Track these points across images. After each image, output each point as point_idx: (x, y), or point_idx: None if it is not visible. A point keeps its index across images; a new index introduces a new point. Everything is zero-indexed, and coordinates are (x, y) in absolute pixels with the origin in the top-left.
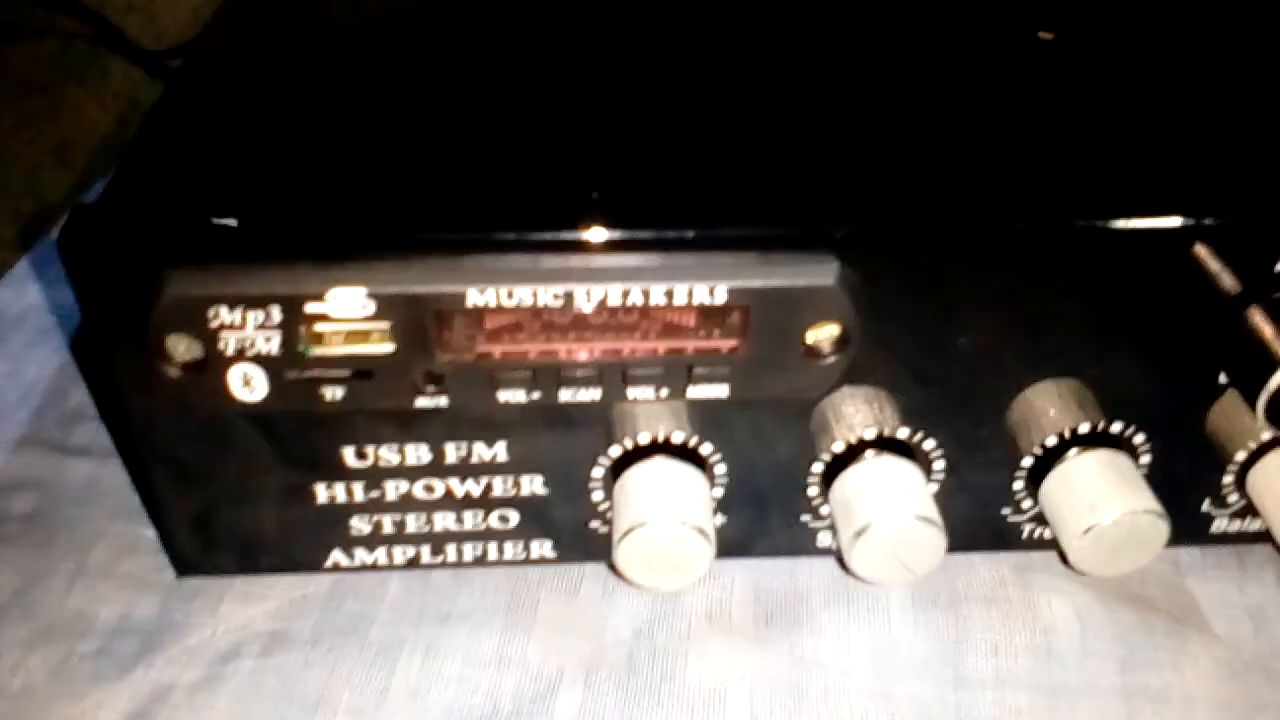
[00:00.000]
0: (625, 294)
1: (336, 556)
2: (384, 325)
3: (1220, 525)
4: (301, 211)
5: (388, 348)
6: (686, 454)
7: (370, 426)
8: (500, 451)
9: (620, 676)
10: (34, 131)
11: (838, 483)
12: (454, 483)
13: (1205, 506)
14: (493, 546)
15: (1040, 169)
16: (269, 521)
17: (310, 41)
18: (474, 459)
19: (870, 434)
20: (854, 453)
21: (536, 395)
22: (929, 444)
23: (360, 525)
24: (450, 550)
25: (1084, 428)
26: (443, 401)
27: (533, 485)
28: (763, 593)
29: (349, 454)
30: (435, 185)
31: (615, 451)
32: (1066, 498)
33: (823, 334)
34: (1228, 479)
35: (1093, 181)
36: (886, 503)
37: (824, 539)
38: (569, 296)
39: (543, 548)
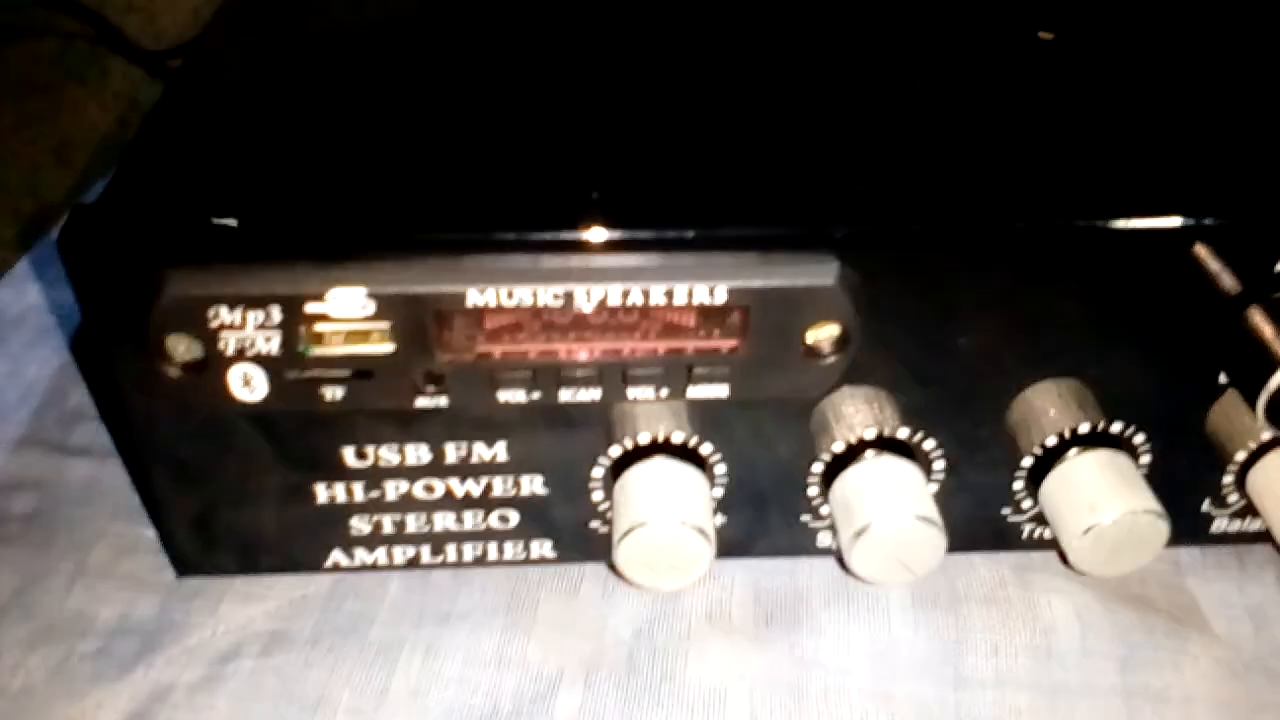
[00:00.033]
0: (625, 294)
1: (336, 556)
2: (384, 325)
3: (1220, 525)
4: (301, 211)
5: (388, 348)
6: (686, 454)
7: (370, 426)
8: (500, 451)
9: (620, 676)
10: (34, 131)
11: (838, 483)
12: (454, 483)
13: (1205, 506)
14: (493, 546)
15: (1040, 169)
16: (269, 521)
17: (310, 41)
18: (474, 459)
19: (870, 434)
20: (854, 453)
21: (536, 395)
22: (929, 444)
23: (360, 525)
24: (450, 550)
25: (1084, 428)
26: (443, 401)
27: (533, 485)
28: (763, 593)
29: (349, 454)
30: (435, 185)
31: (615, 451)
32: (1066, 498)
33: (823, 334)
34: (1228, 479)
35: (1093, 181)
36: (886, 503)
37: (824, 539)
38: (569, 296)
39: (543, 548)
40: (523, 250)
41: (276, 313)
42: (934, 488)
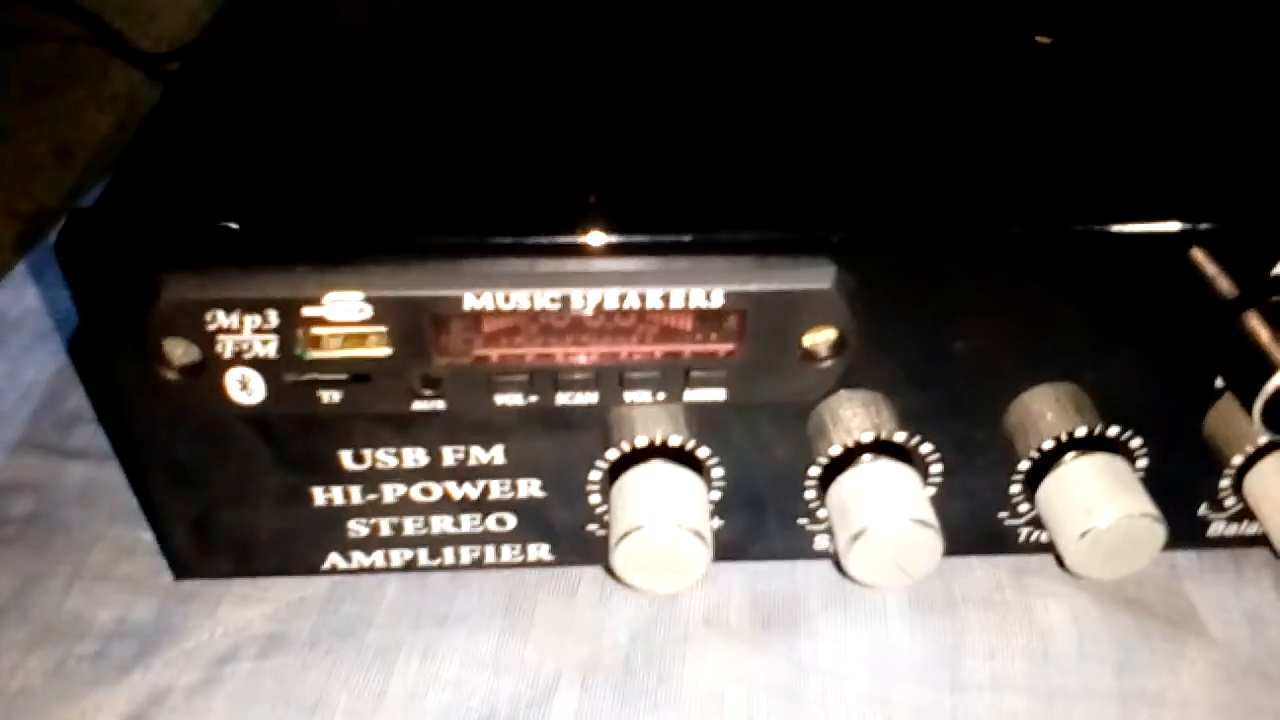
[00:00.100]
0: (622, 298)
1: (334, 559)
2: (381, 329)
3: (1217, 529)
4: (299, 216)
5: (385, 351)
6: (683, 457)
7: (368, 430)
8: (498, 454)
9: (617, 679)
10: (34, 133)
11: (835, 486)
12: (451, 486)
13: (1202, 510)
14: (490, 549)
15: (1037, 173)
16: (266, 524)
17: (308, 46)
18: (471, 462)
19: (867, 437)
20: (851, 456)
21: (534, 399)
22: (926, 447)
23: (358, 528)
24: (448, 553)
25: (1081, 431)
26: (440, 405)
27: (530, 488)
28: (760, 596)
29: (346, 457)
30: (432, 189)
31: (612, 455)
32: (1063, 501)
33: (819, 338)
34: (1224, 483)
35: (1089, 186)
36: (883, 506)
37: (821, 542)
38: (566, 300)
39: (540, 551)
40: (520, 254)
41: (274, 316)
42: (931, 491)
